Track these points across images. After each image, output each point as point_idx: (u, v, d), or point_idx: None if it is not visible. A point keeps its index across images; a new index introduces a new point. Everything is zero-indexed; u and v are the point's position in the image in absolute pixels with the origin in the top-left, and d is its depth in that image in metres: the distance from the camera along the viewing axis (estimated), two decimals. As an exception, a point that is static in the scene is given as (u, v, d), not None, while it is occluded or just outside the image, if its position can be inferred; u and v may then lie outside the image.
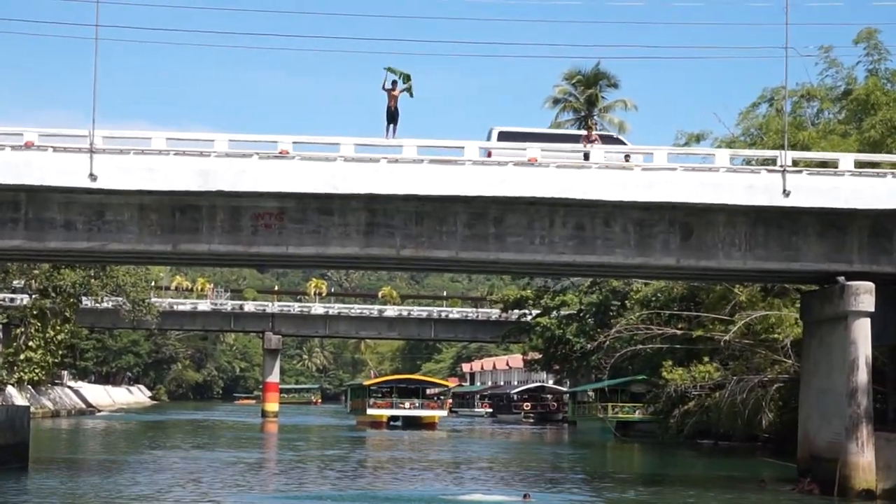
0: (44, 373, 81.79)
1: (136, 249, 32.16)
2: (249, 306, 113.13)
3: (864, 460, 31.66)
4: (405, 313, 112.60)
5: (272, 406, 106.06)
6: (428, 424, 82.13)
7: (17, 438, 37.92)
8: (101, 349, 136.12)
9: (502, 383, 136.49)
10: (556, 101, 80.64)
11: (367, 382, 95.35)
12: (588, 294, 79.14)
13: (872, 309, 32.14)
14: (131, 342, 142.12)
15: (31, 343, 78.60)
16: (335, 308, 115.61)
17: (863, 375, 31.97)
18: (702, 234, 32.44)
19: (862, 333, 32.19)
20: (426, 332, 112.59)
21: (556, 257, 32.52)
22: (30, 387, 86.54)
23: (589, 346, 67.72)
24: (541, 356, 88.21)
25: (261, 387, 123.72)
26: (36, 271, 77.13)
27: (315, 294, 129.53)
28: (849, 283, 32.28)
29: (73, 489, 31.62)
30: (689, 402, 55.60)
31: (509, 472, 42.56)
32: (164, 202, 31.44)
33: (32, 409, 64.11)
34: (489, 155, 32.34)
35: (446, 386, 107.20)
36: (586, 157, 32.50)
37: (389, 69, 32.35)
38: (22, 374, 78.90)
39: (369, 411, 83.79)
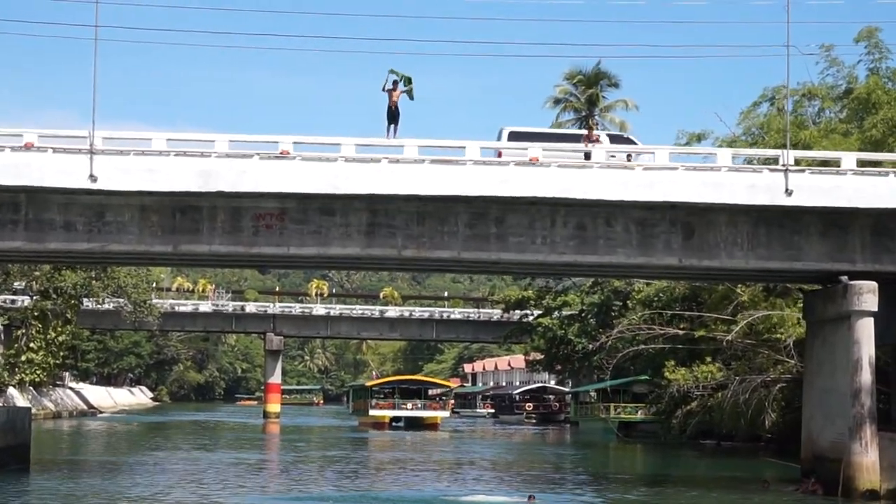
0: (45, 374, 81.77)
1: (136, 250, 32.08)
2: (251, 307, 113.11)
3: (867, 460, 31.55)
4: (407, 314, 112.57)
5: (274, 407, 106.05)
6: (430, 425, 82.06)
7: (19, 440, 37.89)
8: (102, 350, 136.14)
9: (504, 384, 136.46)
10: (556, 101, 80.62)
11: (369, 383, 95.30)
12: (590, 294, 79.09)
13: (876, 308, 32.04)
14: (133, 343, 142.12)
15: (32, 344, 78.54)
16: (337, 309, 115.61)
17: (866, 375, 31.87)
18: (704, 234, 32.34)
19: (865, 333, 32.08)
20: (428, 332, 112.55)
21: (558, 257, 32.43)
22: (31, 388, 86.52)
23: (591, 346, 67.68)
24: (543, 357, 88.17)
25: (262, 388, 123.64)
26: (37, 273, 77.09)
27: (316, 295, 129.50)
28: (852, 282, 32.18)
29: (74, 490, 31.53)
30: (691, 403, 55.48)
31: (512, 472, 42.47)
32: (164, 203, 31.36)
33: (34, 410, 64.07)
34: (499, 155, 32.25)
35: (448, 387, 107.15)
36: (587, 156, 32.42)
37: (392, 71, 32.32)
38: (23, 375, 78.87)
39: (371, 412, 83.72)
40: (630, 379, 71.77)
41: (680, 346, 55.39)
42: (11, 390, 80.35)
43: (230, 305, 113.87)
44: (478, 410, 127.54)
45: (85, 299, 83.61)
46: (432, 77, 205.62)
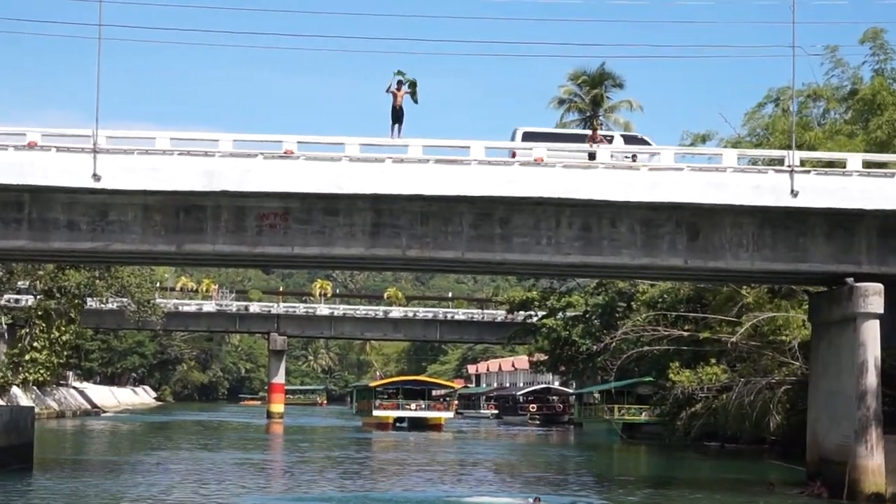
0: (48, 373, 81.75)
1: (139, 250, 32.01)
2: (254, 307, 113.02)
3: (873, 463, 31.43)
4: (410, 314, 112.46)
5: (277, 407, 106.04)
6: (434, 426, 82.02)
7: (22, 439, 37.82)
8: (106, 350, 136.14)
9: (508, 385, 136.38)
10: (561, 102, 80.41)
11: (372, 384, 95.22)
12: (594, 295, 79.00)
13: (882, 310, 31.89)
14: (136, 343, 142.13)
15: (35, 344, 78.53)
16: (340, 309, 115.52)
17: (872, 378, 31.74)
18: (709, 235, 32.23)
19: (871, 335, 31.94)
20: (432, 333, 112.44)
21: (563, 258, 32.34)
22: (35, 387, 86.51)
23: (595, 347, 67.52)
24: (547, 358, 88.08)
25: (266, 388, 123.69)
26: (41, 272, 77.10)
27: (320, 295, 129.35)
28: (857, 284, 32.04)
29: (76, 490, 31.47)
30: (695, 404, 55.32)
31: (516, 473, 42.37)
32: (168, 202, 31.28)
33: (37, 409, 64.10)
34: (513, 155, 32.16)
35: (452, 387, 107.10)
36: (591, 157, 32.32)
37: (399, 73, 32.22)
38: (27, 374, 78.85)
39: (375, 412, 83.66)
40: (634, 380, 71.68)
41: (684, 348, 55.26)
42: (15, 389, 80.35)
43: (234, 305, 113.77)
44: (481, 411, 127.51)
45: (88, 299, 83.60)
46: (436, 77, 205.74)
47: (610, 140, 36.61)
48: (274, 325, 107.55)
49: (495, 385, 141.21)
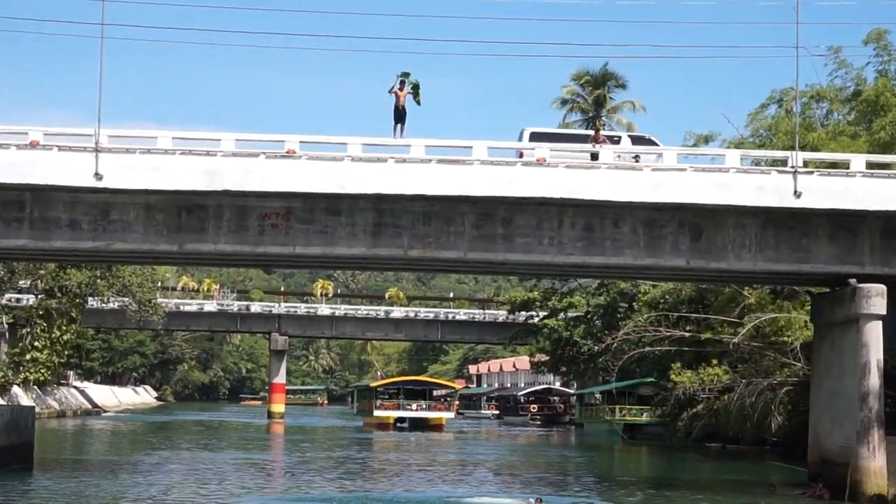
0: (49, 373, 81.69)
1: (141, 249, 31.96)
2: (256, 307, 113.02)
3: (875, 465, 31.38)
4: (412, 314, 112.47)
5: (278, 407, 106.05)
6: (435, 426, 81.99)
7: (22, 439, 37.77)
8: (107, 349, 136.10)
9: (509, 385, 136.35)
10: (563, 102, 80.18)
11: (373, 384, 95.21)
12: (595, 296, 78.93)
13: (884, 312, 31.84)
14: (137, 342, 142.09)
15: (36, 343, 78.48)
16: (342, 309, 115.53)
17: (874, 379, 31.69)
18: (711, 236, 32.17)
19: (874, 336, 31.90)
20: (433, 333, 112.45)
21: (565, 258, 32.28)
22: (35, 387, 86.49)
23: (596, 348, 67.48)
24: (548, 358, 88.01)
25: (267, 388, 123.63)
26: (42, 271, 77.04)
27: (321, 295, 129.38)
28: (860, 285, 31.99)
29: (77, 490, 31.42)
30: (697, 405, 55.30)
31: (517, 474, 42.33)
32: (170, 202, 31.23)
33: (38, 409, 64.03)
34: (521, 155, 32.09)
35: (453, 388, 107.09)
36: (594, 157, 32.26)
37: (404, 74, 32.13)
38: (28, 374, 78.80)
39: (376, 413, 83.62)
40: (636, 381, 71.61)
41: (686, 349, 55.21)
42: (16, 389, 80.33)
43: (235, 305, 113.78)
44: (482, 412, 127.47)
45: (90, 298, 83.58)
46: (438, 77, 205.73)
47: (617, 140, 36.53)
48: (275, 324, 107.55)
49: (496, 385, 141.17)
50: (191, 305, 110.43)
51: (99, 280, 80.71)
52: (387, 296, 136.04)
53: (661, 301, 61.88)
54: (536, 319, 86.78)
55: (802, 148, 37.78)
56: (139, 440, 61.80)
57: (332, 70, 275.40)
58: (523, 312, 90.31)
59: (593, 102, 78.40)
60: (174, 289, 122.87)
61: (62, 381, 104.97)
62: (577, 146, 34.02)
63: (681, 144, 56.45)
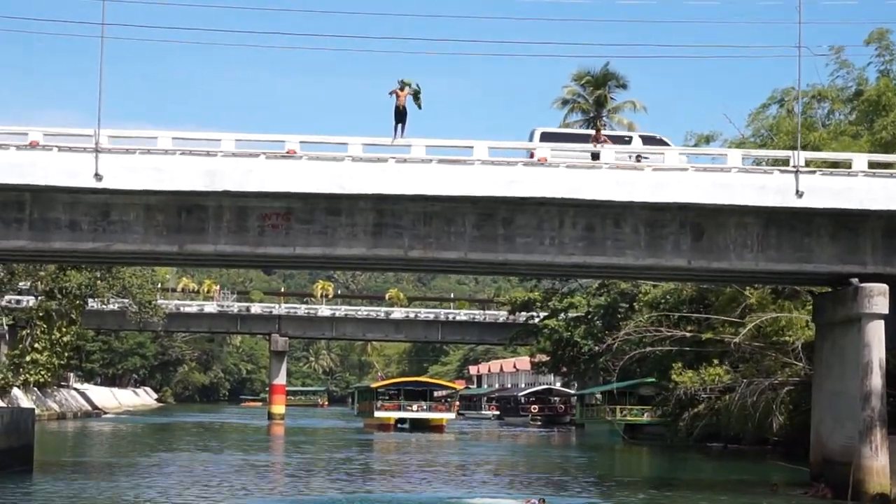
0: (49, 375, 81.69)
1: (141, 250, 31.88)
2: (256, 308, 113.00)
3: (877, 464, 31.30)
4: (412, 315, 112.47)
5: (279, 408, 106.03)
6: (435, 427, 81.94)
7: (22, 441, 37.67)
8: (107, 351, 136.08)
9: (509, 386, 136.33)
10: (564, 102, 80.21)
11: (374, 385, 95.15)
12: (596, 296, 78.88)
13: (886, 311, 31.79)
14: (137, 344, 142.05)
15: (36, 345, 78.47)
16: (342, 310, 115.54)
17: (876, 379, 31.63)
18: (713, 236, 32.10)
19: (876, 336, 31.83)
20: (433, 334, 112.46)
21: (566, 258, 32.20)
22: (35, 389, 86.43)
23: (597, 348, 67.47)
24: (548, 358, 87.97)
25: (267, 389, 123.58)
26: (42, 273, 77.02)
27: (322, 296, 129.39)
28: (862, 284, 31.92)
29: (77, 492, 31.34)
30: (698, 405, 55.25)
31: (518, 475, 42.26)
32: (170, 202, 31.16)
33: (38, 411, 63.96)
34: (531, 156, 31.99)
35: (453, 388, 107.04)
36: (595, 157, 32.16)
37: (403, 81, 32.01)
38: (28, 375, 78.78)
39: (376, 414, 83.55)
40: (636, 381, 71.53)
41: (687, 349, 55.13)
42: (16, 391, 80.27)
43: (235, 306, 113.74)
44: (483, 412, 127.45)
45: (90, 299, 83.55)
46: (438, 77, 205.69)
47: (628, 141, 36.40)
48: (275, 326, 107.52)
49: (497, 386, 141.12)
50: (191, 307, 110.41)
51: (99, 281, 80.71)
52: (387, 297, 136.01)
53: (662, 301, 61.81)
54: (537, 320, 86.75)
55: (804, 148, 37.72)
56: (139, 442, 61.70)
57: (332, 70, 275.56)
58: (524, 313, 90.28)
59: (594, 102, 78.39)
60: (174, 290, 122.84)
61: (62, 383, 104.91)
62: (577, 146, 33.92)
63: (682, 144, 56.39)
